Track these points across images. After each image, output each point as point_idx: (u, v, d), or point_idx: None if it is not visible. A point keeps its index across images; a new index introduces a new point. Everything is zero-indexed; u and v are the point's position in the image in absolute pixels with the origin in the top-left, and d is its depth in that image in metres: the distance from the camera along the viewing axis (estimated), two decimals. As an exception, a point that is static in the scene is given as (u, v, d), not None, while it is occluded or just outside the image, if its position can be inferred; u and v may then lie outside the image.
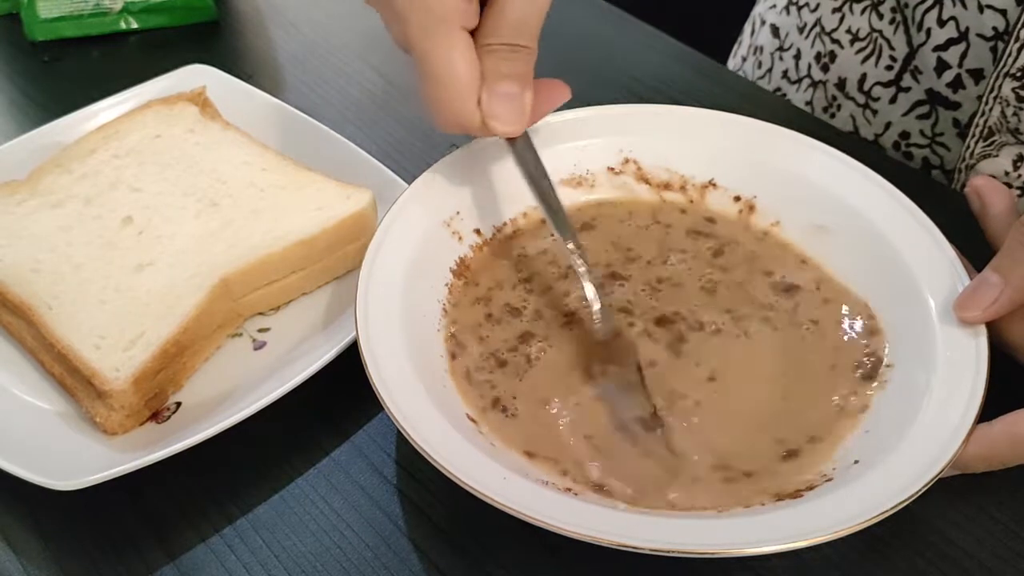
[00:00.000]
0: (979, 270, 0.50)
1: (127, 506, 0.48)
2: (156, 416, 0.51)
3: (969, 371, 0.45)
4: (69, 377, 0.51)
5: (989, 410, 0.44)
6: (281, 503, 0.48)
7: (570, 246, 0.50)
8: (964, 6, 0.64)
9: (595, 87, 0.74)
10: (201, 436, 0.47)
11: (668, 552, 0.40)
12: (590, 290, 0.50)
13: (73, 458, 0.47)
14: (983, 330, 0.47)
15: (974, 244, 0.52)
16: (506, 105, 0.47)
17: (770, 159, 0.57)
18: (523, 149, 0.51)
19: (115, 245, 0.55)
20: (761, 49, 0.83)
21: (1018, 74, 0.62)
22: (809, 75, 0.77)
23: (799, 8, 0.77)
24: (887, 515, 0.40)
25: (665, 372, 0.50)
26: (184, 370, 0.52)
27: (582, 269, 0.50)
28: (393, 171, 0.60)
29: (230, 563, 0.46)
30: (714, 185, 0.58)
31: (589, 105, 0.60)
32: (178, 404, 0.51)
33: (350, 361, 0.48)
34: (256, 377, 0.51)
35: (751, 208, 0.57)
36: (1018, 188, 0.68)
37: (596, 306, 0.50)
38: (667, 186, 0.59)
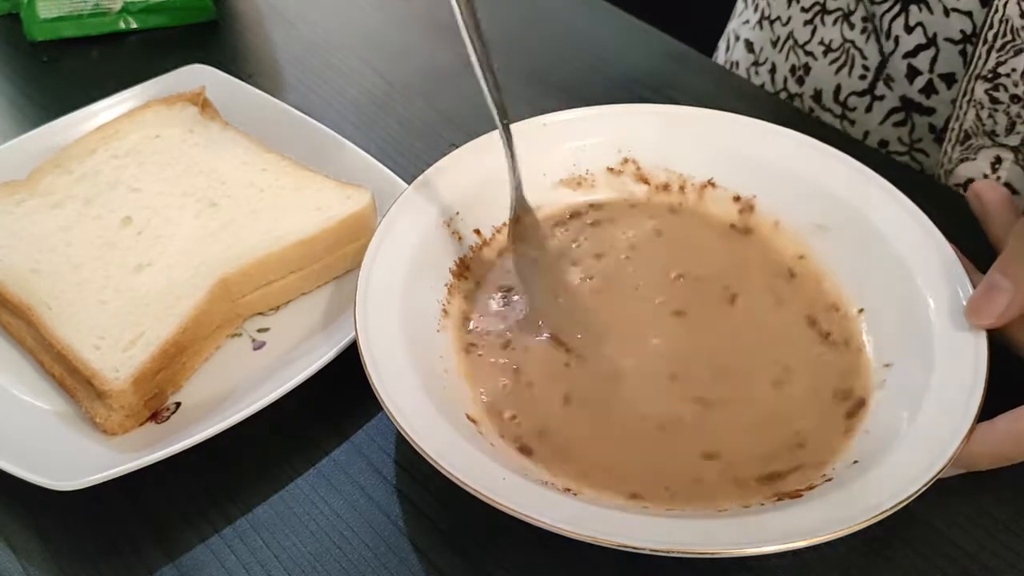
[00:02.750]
0: (978, 268, 0.50)
1: (127, 506, 0.48)
2: (156, 416, 0.51)
3: (969, 370, 0.45)
4: (69, 377, 0.51)
5: (989, 409, 0.44)
6: (281, 503, 0.48)
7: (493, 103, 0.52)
8: (930, 11, 0.64)
9: (593, 86, 0.74)
10: (201, 436, 0.47)
11: (668, 552, 0.40)
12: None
13: (73, 458, 0.47)
14: (983, 330, 0.47)
15: (968, 240, 0.52)
16: None
17: (769, 159, 0.57)
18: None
19: (114, 245, 0.55)
20: (737, 64, 0.83)
21: (989, 76, 0.63)
22: (785, 88, 0.77)
23: (771, 22, 0.78)
24: (887, 515, 0.40)
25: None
26: (184, 370, 0.52)
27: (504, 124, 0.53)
28: (392, 171, 0.60)
29: (230, 563, 0.46)
30: (713, 185, 0.58)
31: (587, 105, 0.60)
32: (178, 404, 0.51)
33: (350, 361, 0.48)
34: (256, 377, 0.51)
35: (751, 208, 0.57)
36: None
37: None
38: (666, 186, 0.59)
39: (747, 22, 0.82)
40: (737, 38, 0.83)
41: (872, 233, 0.53)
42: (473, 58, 0.51)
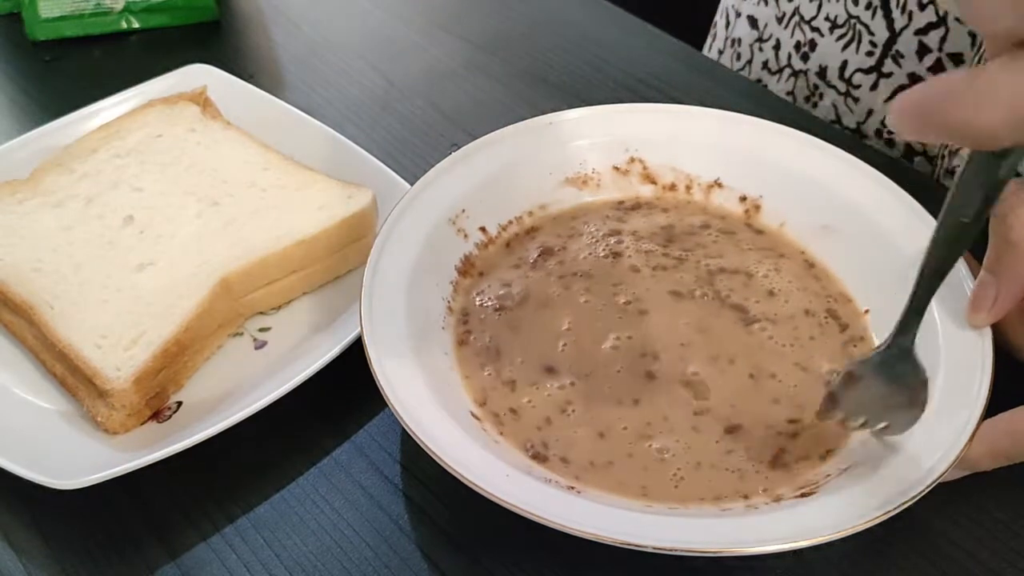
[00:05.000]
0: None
1: (128, 505, 0.48)
2: (157, 415, 0.51)
3: (974, 372, 0.45)
4: (70, 376, 0.51)
5: (993, 411, 0.44)
6: (282, 503, 0.48)
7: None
8: None
9: (595, 86, 0.74)
10: (202, 436, 0.47)
11: (670, 550, 0.40)
12: None
13: (74, 457, 0.47)
14: (988, 331, 0.47)
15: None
16: None
17: (776, 159, 0.57)
18: None
19: (116, 245, 0.55)
20: (739, 41, 0.83)
21: None
22: (790, 64, 0.77)
23: None
24: (889, 515, 0.40)
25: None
26: (185, 369, 0.52)
27: None
28: (394, 171, 0.60)
29: (231, 562, 0.46)
30: (720, 185, 0.58)
31: (588, 104, 0.60)
32: (179, 403, 0.51)
33: (351, 361, 0.48)
34: (257, 377, 0.51)
35: (757, 208, 0.57)
36: None
37: None
38: (672, 186, 0.59)
39: None
40: (738, 14, 0.83)
41: (878, 234, 0.53)
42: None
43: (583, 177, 0.59)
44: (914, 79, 0.69)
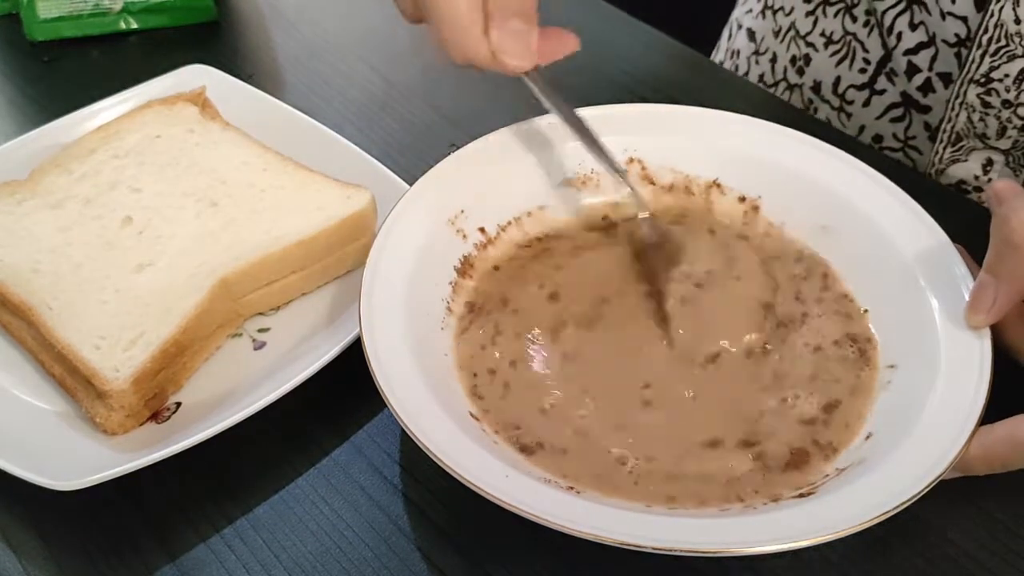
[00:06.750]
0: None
1: (127, 506, 0.48)
2: (156, 416, 0.51)
3: (972, 373, 0.45)
4: (69, 377, 0.51)
5: (992, 413, 0.44)
6: (281, 503, 0.48)
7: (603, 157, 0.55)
8: (928, 12, 0.65)
9: (593, 87, 0.74)
10: (201, 436, 0.47)
11: (670, 551, 0.40)
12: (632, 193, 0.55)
13: (73, 458, 0.47)
14: (987, 332, 0.47)
15: (968, 241, 0.52)
16: (514, 40, 0.49)
17: (775, 160, 0.57)
18: (539, 83, 0.53)
19: (115, 245, 0.55)
20: (738, 53, 0.83)
21: (982, 80, 0.63)
22: (785, 78, 0.78)
23: (774, 12, 0.78)
24: (888, 516, 0.40)
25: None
26: (184, 370, 0.52)
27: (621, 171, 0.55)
28: (392, 171, 0.60)
29: (230, 563, 0.46)
30: (719, 186, 0.58)
31: (587, 105, 0.60)
32: (178, 404, 0.51)
33: (350, 361, 0.48)
34: (256, 377, 0.51)
35: (756, 209, 0.57)
36: None
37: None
38: (671, 187, 0.59)
39: (750, 11, 0.82)
40: (740, 26, 0.83)
41: (876, 234, 0.53)
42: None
43: (582, 178, 0.59)
44: (906, 97, 0.70)
